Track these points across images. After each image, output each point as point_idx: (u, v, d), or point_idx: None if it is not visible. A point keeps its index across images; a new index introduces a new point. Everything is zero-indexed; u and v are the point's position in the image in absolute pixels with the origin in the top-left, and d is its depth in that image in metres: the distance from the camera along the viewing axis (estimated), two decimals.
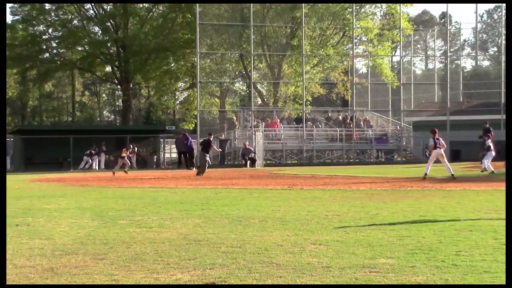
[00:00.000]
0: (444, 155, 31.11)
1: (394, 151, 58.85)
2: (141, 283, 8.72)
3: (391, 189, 24.83)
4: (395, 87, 63.90)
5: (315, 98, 68.08)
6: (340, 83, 69.86)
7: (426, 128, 55.64)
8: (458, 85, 70.24)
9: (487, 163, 34.43)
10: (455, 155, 51.52)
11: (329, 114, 61.94)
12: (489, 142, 35.66)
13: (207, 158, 38.16)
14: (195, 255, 10.65)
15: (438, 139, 30.94)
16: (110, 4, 66.65)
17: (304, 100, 56.93)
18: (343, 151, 56.61)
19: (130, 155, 41.30)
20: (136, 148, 48.25)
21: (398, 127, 61.05)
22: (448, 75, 63.24)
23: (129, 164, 41.36)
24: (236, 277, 8.95)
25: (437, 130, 32.19)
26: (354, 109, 59.08)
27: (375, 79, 67.76)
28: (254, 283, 8.63)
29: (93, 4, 67.36)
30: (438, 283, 8.44)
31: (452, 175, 30.25)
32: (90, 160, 51.73)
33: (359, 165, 51.34)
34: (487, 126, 45.15)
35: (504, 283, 8.07)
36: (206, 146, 37.94)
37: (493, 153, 35.11)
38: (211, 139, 39.35)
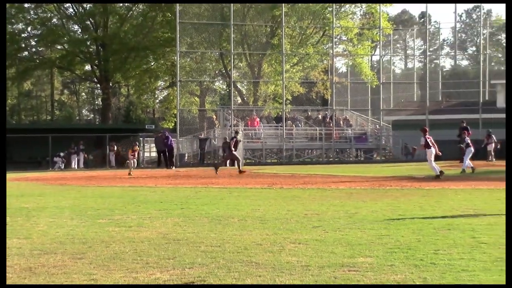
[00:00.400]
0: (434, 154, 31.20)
1: (374, 150, 58.96)
2: (120, 283, 8.69)
3: (370, 188, 24.88)
4: (374, 86, 64.08)
5: (295, 97, 68.21)
6: (320, 82, 70.01)
7: (405, 127, 55.99)
8: (437, 84, 70.50)
9: (467, 161, 34.45)
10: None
11: (309, 113, 61.99)
12: (467, 139, 35.83)
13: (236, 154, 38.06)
14: (174, 254, 10.63)
15: (429, 138, 31.03)
16: (90, 3, 66.35)
17: (284, 99, 56.94)
18: (322, 150, 56.68)
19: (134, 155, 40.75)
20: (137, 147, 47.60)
21: (377, 126, 61.19)
22: (427, 75, 63.44)
23: (135, 165, 40.95)
24: (215, 276, 8.95)
25: (427, 129, 32.31)
26: (334, 108, 59.17)
27: (355, 78, 67.89)
28: (234, 282, 8.63)
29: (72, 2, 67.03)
30: (417, 282, 8.48)
31: (438, 175, 30.26)
32: (61, 162, 51.35)
33: (339, 164, 51.41)
34: (464, 124, 45.41)
35: (504, 283, 8.12)
36: (235, 145, 37.91)
37: (472, 149, 35.22)
38: (238, 137, 39.37)
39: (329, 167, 42.75)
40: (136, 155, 40.92)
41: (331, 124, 57.05)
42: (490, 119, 56.60)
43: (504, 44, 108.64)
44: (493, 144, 47.23)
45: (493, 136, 47.48)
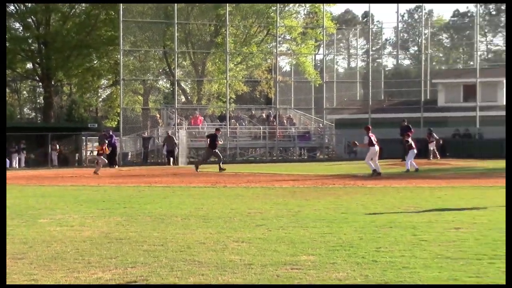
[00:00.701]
0: (377, 152, 31.50)
1: (317, 148, 59.22)
2: (61, 283, 8.61)
3: (313, 186, 25.03)
4: (318, 85, 64.30)
5: (238, 96, 68.15)
6: (263, 81, 70.11)
7: (348, 126, 56.35)
8: (380, 83, 71.16)
9: (410, 161, 34.76)
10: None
11: (253, 112, 62.02)
12: (410, 140, 36.15)
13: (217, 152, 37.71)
14: (117, 254, 10.57)
15: (372, 136, 31.36)
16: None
17: (228, 97, 56.91)
18: (266, 148, 56.79)
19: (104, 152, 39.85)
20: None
21: (320, 124, 61.46)
22: (370, 74, 64.00)
23: (105, 161, 40.09)
24: (158, 275, 8.92)
25: (370, 127, 32.66)
26: (278, 107, 59.28)
27: (299, 77, 68.11)
28: (176, 281, 8.60)
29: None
30: (358, 279, 8.55)
31: (378, 172, 30.59)
32: None
33: (282, 162, 51.58)
34: (405, 124, 45.88)
35: (504, 283, 8.19)
36: (212, 142, 37.49)
37: (415, 151, 35.61)
38: (219, 134, 39.00)
39: (273, 166, 42.87)
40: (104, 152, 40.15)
41: (274, 123, 57.17)
42: (431, 118, 57.32)
43: (446, 44, 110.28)
44: (435, 142, 47.79)
45: (434, 134, 48.06)
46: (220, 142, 39.48)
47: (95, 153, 43.82)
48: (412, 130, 42.91)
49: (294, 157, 57.71)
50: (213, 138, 37.62)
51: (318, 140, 59.49)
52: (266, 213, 15.82)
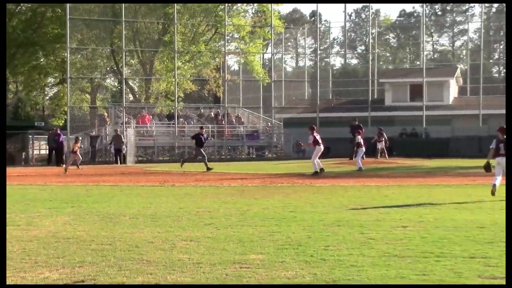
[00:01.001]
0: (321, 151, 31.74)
1: (265, 147, 59.29)
2: (7, 283, 8.49)
3: (261, 185, 25.07)
4: (266, 84, 64.41)
5: (187, 95, 67.94)
6: (212, 80, 70.00)
7: (296, 125, 56.52)
8: (328, 82, 71.55)
9: (359, 160, 35.05)
10: (325, 151, 52.36)
11: (201, 111, 61.88)
12: (359, 139, 36.46)
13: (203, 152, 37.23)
14: (64, 253, 10.47)
15: (317, 135, 31.64)
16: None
17: (176, 96, 56.71)
18: (214, 147, 56.66)
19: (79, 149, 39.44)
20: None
21: (269, 123, 61.59)
22: (318, 73, 64.29)
23: (81, 158, 39.76)
24: (106, 275, 8.86)
25: (315, 127, 32.94)
26: (226, 105, 59.27)
27: (247, 76, 68.15)
28: (124, 280, 8.55)
29: None
30: (307, 278, 8.58)
31: (321, 169, 30.87)
32: None
33: (231, 161, 51.55)
34: (356, 123, 46.24)
35: (504, 283, 8.23)
36: (199, 141, 37.10)
37: (363, 149, 35.91)
38: (203, 132, 38.63)
39: (221, 165, 42.84)
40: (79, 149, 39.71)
41: (223, 122, 57.15)
42: (379, 117, 57.81)
43: (392, 44, 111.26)
44: (383, 142, 48.16)
45: (384, 134, 48.46)
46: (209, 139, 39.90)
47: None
48: (362, 129, 43.33)
49: (243, 156, 57.70)
50: (198, 137, 37.43)
51: (266, 139, 59.58)
52: (215, 212, 15.82)
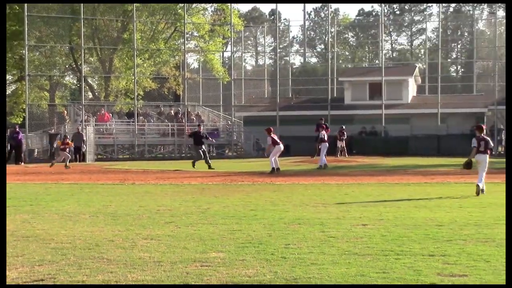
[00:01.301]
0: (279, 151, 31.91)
1: (225, 145, 59.30)
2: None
3: (222, 183, 25.10)
4: (226, 83, 64.41)
5: (147, 93, 67.62)
6: (171, 78, 69.78)
7: (256, 123, 56.56)
8: (287, 81, 71.67)
9: (323, 156, 35.12)
10: (284, 150, 52.55)
11: (161, 109, 61.69)
12: (323, 134, 36.61)
13: (202, 150, 36.59)
14: (23, 252, 10.38)
15: (274, 136, 32.14)
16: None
17: (136, 94, 56.45)
18: (175, 145, 56.57)
19: (67, 147, 39.02)
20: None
21: (229, 122, 61.64)
22: (278, 71, 64.35)
23: (69, 156, 39.31)
24: (66, 273, 8.80)
25: (271, 128, 33.26)
26: (186, 104, 59.11)
27: (207, 74, 68.08)
28: (84, 279, 8.51)
29: None
30: (268, 276, 8.59)
31: (277, 169, 31.05)
32: None
33: (191, 159, 51.43)
34: (322, 122, 46.43)
35: (504, 283, 8.25)
36: (198, 139, 36.60)
37: (327, 144, 35.99)
38: (201, 130, 38.15)
39: (182, 163, 42.77)
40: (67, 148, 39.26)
41: (183, 120, 57.02)
42: (338, 115, 58.03)
43: (352, 43, 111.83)
44: (344, 141, 48.44)
45: (345, 132, 48.73)
46: (211, 139, 39.75)
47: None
48: (328, 128, 43.71)
49: None
50: (196, 135, 37.06)
51: (226, 137, 59.62)
52: (175, 210, 15.79)
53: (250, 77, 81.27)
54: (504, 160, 30.57)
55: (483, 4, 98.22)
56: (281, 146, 31.90)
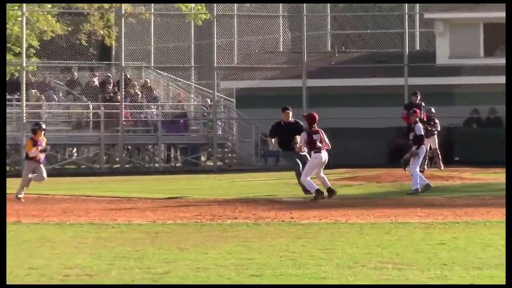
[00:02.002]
0: None
1: (201, 147, 59.76)
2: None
3: (193, 222, 25.63)
4: (202, 24, 64.62)
5: (45, 43, 67.98)
6: (95, 14, 70.08)
7: (261, 103, 56.88)
8: (323, 19, 71.81)
9: (417, 170, 35.82)
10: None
11: (75, 75, 61.80)
12: (419, 127, 37.17)
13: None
14: None
15: (318, 133, 32.78)
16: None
17: (24, 47, 56.61)
18: (101, 147, 56.90)
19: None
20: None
21: (208, 100, 61.90)
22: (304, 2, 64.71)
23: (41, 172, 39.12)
24: None
25: (316, 116, 33.70)
26: (123, 64, 59.30)
27: (164, 8, 68.37)
28: None
29: None
30: None
31: (329, 190, 32.56)
32: None
33: (133, 174, 51.91)
34: (418, 99, 46.83)
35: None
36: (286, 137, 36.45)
37: (424, 150, 36.76)
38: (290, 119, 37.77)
39: (114, 181, 43.28)
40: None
41: (117, 96, 57.32)
42: (424, 87, 58.34)
43: None
44: (436, 138, 48.66)
45: (437, 121, 48.97)
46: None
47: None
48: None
49: (156, 165, 58.27)
50: (280, 129, 36.75)
51: (203, 130, 60.35)
52: (102, 277, 15.77)
53: (249, 13, 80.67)
54: None
55: None
56: (323, 156, 32.12)
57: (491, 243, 20.07)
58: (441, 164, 47.52)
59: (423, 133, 36.74)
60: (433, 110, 49.09)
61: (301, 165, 34.56)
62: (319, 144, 32.20)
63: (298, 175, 34.28)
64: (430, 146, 48.09)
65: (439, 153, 48.31)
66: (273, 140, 35.33)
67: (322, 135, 32.55)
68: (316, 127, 32.76)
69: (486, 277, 15.51)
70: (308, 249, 19.11)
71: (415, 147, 36.12)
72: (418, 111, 39.66)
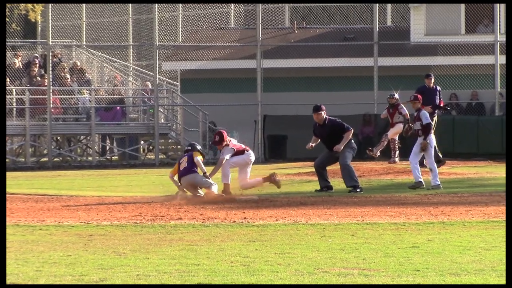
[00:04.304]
0: None
1: (141, 137, 59.82)
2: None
3: (133, 224, 25.52)
4: None
5: None
6: None
7: (209, 87, 57.07)
8: None
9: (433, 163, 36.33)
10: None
11: None
12: (426, 116, 37.70)
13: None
14: None
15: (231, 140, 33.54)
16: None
17: None
18: (26, 138, 56.89)
19: None
20: None
21: (148, 84, 61.95)
22: None
23: None
24: None
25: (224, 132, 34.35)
26: (51, 43, 59.39)
27: None
28: None
29: None
30: None
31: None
32: None
33: (63, 169, 51.89)
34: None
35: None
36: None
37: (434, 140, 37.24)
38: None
39: (42, 176, 43.18)
40: None
41: (44, 80, 57.32)
42: (396, 68, 58.62)
43: None
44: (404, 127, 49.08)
45: (403, 106, 49.35)
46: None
47: None
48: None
49: (90, 158, 58.17)
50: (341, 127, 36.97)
51: (142, 118, 60.26)
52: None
53: None
54: None
55: None
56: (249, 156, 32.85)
57: (470, 246, 20.26)
58: (397, 157, 47.81)
59: (430, 121, 37.05)
60: (396, 96, 49.26)
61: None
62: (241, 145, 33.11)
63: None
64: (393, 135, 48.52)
65: (397, 142, 48.58)
66: None
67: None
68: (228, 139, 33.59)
69: (464, 285, 15.74)
70: (263, 254, 19.26)
71: (422, 138, 36.37)
72: (420, 97, 39.75)
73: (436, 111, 45.57)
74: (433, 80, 48.04)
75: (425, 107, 40.59)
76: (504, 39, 57.66)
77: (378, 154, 45.74)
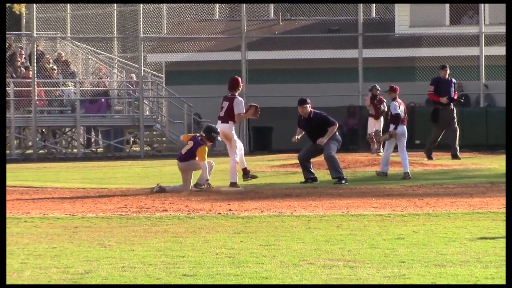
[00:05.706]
0: None
1: (126, 129, 59.75)
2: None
3: (118, 216, 25.53)
4: None
5: None
6: None
7: (194, 78, 57.06)
8: None
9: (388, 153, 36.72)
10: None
11: None
12: (396, 105, 37.87)
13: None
14: None
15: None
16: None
17: None
18: (10, 129, 56.91)
19: None
20: None
21: (133, 76, 61.90)
22: None
23: None
24: None
25: None
26: (36, 34, 59.31)
27: None
28: None
29: None
30: None
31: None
32: None
33: (49, 161, 51.93)
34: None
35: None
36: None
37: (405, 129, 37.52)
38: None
39: (28, 169, 43.18)
40: None
41: (29, 72, 57.32)
42: (380, 60, 58.67)
43: None
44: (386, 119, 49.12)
45: (383, 99, 49.38)
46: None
47: None
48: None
49: (75, 150, 58.11)
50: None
51: (127, 110, 60.17)
52: (14, 276, 15.82)
53: None
54: None
55: None
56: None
57: (455, 238, 20.28)
58: (380, 150, 47.83)
59: (399, 112, 37.06)
60: (377, 87, 49.27)
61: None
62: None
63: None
64: (376, 127, 48.57)
65: (381, 135, 48.60)
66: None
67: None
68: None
69: (449, 276, 15.73)
70: (248, 245, 19.24)
71: (393, 127, 36.51)
72: (396, 87, 39.80)
73: (451, 104, 45.78)
74: (448, 71, 48.15)
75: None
76: (489, 31, 57.92)
77: (380, 151, 45.74)
